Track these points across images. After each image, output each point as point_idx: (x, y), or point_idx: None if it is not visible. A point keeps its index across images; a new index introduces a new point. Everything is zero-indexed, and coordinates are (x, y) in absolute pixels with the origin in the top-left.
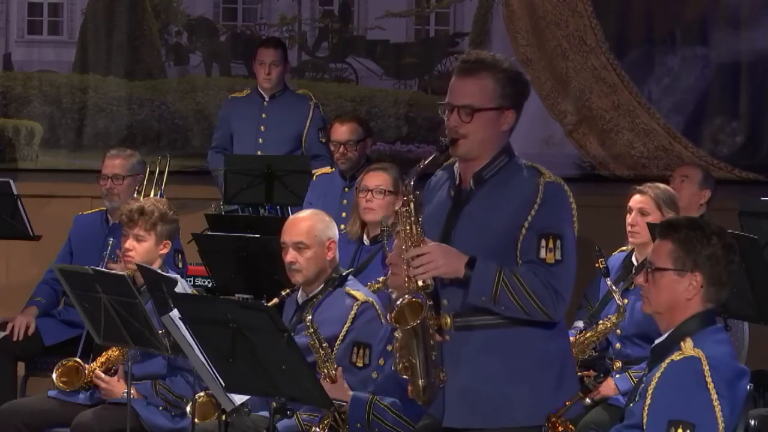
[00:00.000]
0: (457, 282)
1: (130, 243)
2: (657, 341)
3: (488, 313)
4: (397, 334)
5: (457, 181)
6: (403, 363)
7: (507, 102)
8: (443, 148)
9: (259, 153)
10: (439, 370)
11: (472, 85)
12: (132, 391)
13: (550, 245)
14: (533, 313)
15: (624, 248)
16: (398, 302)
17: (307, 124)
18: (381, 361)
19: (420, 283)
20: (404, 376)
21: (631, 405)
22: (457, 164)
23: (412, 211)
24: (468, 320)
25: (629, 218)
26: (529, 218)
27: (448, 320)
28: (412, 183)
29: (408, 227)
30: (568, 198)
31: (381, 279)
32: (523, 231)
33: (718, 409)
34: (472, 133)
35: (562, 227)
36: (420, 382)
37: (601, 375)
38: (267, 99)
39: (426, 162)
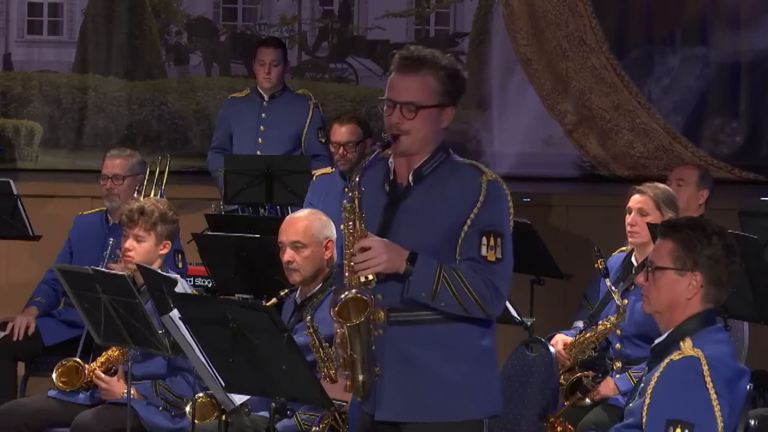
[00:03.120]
0: (394, 277)
1: (130, 243)
2: (657, 341)
3: (424, 309)
4: (339, 329)
5: (392, 176)
6: (343, 358)
7: (447, 99)
8: (386, 144)
9: (258, 153)
10: (374, 364)
11: (414, 82)
12: (132, 391)
13: (491, 243)
14: (472, 309)
15: (623, 248)
16: (342, 296)
17: (307, 124)
18: None
19: (362, 278)
20: (345, 372)
21: (630, 404)
22: (391, 158)
23: (357, 208)
24: (403, 315)
25: (629, 218)
26: (472, 216)
27: (382, 314)
28: (357, 180)
29: (351, 224)
30: (507, 196)
31: None
32: (465, 228)
33: (717, 408)
34: (415, 129)
35: (502, 226)
36: (360, 378)
37: (600, 375)
38: (267, 99)
39: (370, 159)
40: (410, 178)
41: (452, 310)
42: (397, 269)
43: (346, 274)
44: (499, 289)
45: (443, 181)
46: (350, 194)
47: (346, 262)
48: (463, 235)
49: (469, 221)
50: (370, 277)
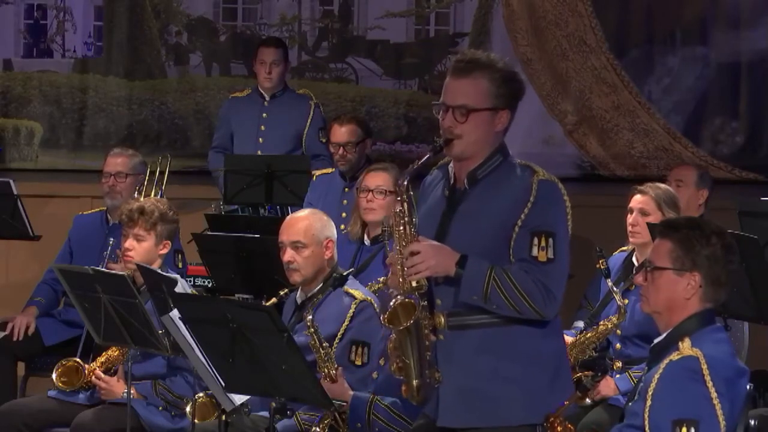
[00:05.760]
0: (450, 281)
1: (129, 243)
2: (656, 340)
3: (482, 312)
4: (391, 335)
5: (452, 181)
6: (396, 363)
7: (501, 102)
8: (438, 148)
9: (259, 153)
10: (434, 370)
11: (467, 85)
12: (132, 391)
13: (542, 243)
14: (525, 311)
15: (624, 248)
16: (391, 303)
17: (307, 124)
18: (381, 361)
19: (414, 283)
20: (399, 377)
21: (631, 404)
22: (451, 164)
23: (406, 212)
24: (462, 319)
25: (630, 218)
26: (522, 216)
27: (442, 320)
28: (405, 183)
29: (402, 227)
30: (562, 196)
31: (381, 279)
32: (516, 229)
33: (718, 406)
34: (466, 133)
35: (554, 225)
36: (414, 383)
37: (599, 374)
38: (267, 99)
39: (420, 162)
40: (465, 182)
41: (505, 312)
42: (446, 273)
43: (400, 280)
44: (551, 290)
45: (498, 184)
46: (398, 198)
47: (397, 267)
48: (514, 236)
49: (519, 222)
50: (422, 282)
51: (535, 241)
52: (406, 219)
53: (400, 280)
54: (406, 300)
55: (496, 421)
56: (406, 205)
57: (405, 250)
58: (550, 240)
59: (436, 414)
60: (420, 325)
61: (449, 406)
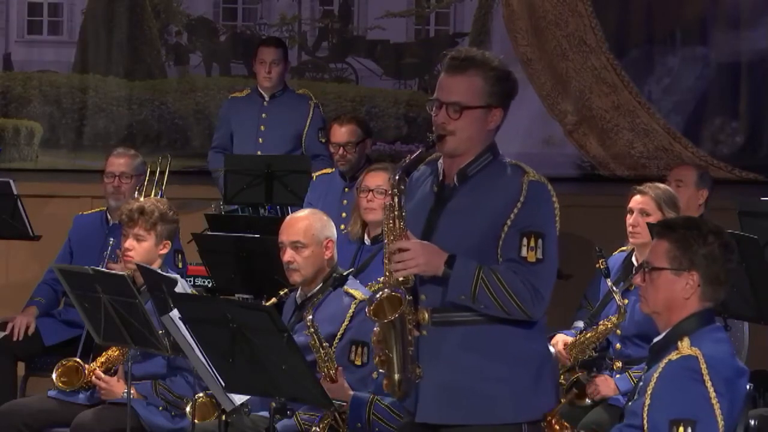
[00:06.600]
0: (437, 278)
1: (129, 243)
2: (655, 340)
3: (467, 310)
4: (376, 328)
5: (441, 177)
6: (379, 357)
7: (495, 101)
8: (430, 144)
9: (259, 153)
10: (415, 365)
11: (461, 82)
12: (132, 391)
13: (532, 244)
14: (512, 311)
15: (624, 248)
16: (377, 296)
17: (307, 124)
18: None
19: (400, 278)
20: (381, 370)
21: (630, 404)
22: (441, 160)
23: (396, 206)
24: (446, 316)
25: (630, 219)
26: (512, 216)
27: (426, 315)
28: (397, 177)
29: (391, 222)
30: (551, 197)
31: (381, 279)
32: (505, 229)
33: (716, 406)
34: (459, 130)
35: (544, 226)
36: (396, 377)
37: (594, 369)
38: (267, 99)
39: (412, 157)
40: (455, 179)
41: (492, 312)
42: (434, 272)
43: (386, 274)
44: (539, 291)
45: (487, 182)
46: (390, 192)
47: (384, 260)
48: (503, 235)
49: (509, 221)
50: (409, 276)
51: (525, 241)
52: (396, 213)
53: (387, 273)
54: (393, 293)
55: (482, 418)
56: (397, 199)
57: (393, 246)
58: (540, 240)
59: (414, 407)
60: (404, 320)
61: (430, 402)
